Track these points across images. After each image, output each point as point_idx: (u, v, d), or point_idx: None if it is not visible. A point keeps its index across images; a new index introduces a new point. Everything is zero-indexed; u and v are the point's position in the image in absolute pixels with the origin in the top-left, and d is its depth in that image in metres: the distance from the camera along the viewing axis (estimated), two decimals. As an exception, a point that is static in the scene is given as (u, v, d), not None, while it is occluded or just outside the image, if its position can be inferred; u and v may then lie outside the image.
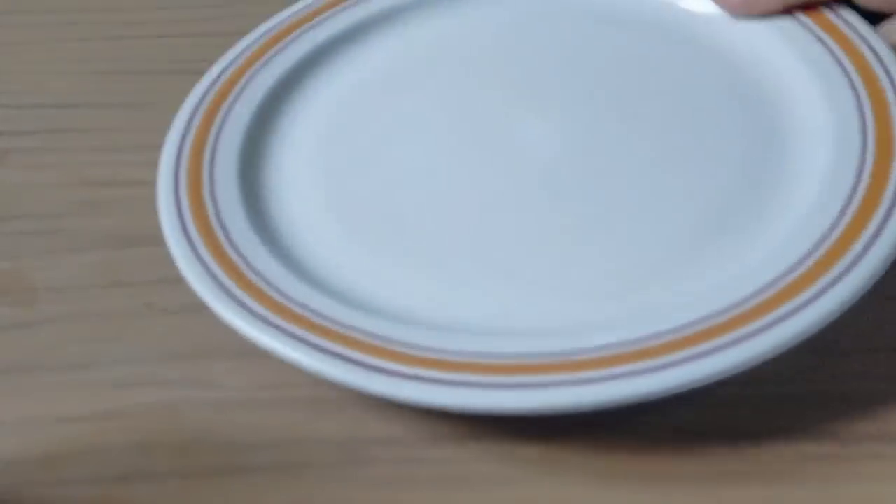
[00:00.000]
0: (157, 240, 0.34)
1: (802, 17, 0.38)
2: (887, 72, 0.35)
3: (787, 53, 0.38)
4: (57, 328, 0.34)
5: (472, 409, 0.27)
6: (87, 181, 0.40)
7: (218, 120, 0.38)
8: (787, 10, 0.38)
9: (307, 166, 0.38)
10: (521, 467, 0.29)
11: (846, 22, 0.38)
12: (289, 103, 0.41)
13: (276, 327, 0.29)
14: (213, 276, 0.31)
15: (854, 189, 0.31)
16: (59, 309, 0.34)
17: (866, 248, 0.30)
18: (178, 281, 0.33)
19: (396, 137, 0.38)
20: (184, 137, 0.37)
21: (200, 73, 0.41)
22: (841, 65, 0.36)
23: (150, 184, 0.37)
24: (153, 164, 0.37)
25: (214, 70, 0.41)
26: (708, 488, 0.29)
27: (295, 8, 0.44)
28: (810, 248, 0.30)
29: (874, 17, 0.38)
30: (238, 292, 0.31)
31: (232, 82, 0.40)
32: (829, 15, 0.38)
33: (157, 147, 0.37)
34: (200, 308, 0.32)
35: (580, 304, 0.31)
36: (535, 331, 0.30)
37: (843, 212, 0.31)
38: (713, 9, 0.40)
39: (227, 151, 0.37)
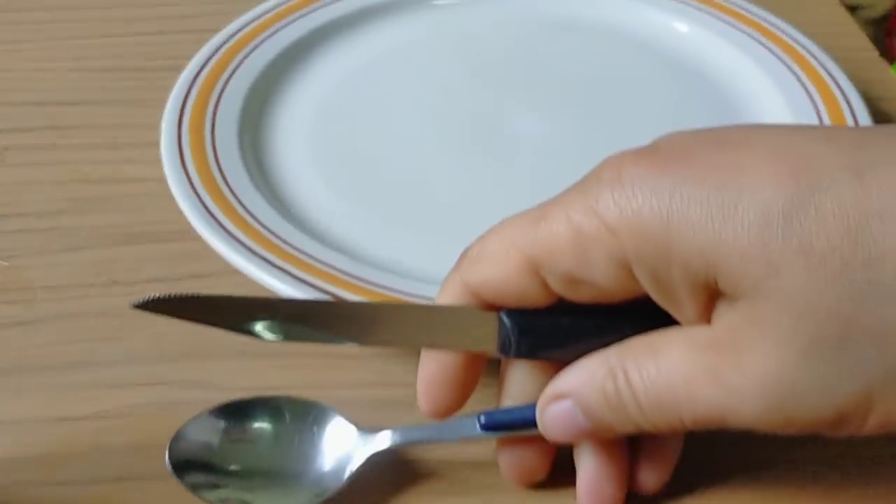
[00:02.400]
0: (156, 237, 0.34)
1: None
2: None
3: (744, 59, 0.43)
4: (55, 327, 0.33)
5: None
6: (85, 179, 0.40)
7: (214, 96, 0.40)
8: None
9: (304, 142, 0.40)
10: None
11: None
12: (285, 83, 0.43)
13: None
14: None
15: None
16: (57, 307, 0.34)
17: None
18: (178, 279, 0.33)
19: (391, 115, 0.41)
20: (181, 116, 0.39)
21: (199, 70, 0.41)
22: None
23: (149, 181, 0.37)
24: (151, 162, 0.37)
25: (216, 41, 0.42)
26: (706, 490, 0.29)
27: None
28: None
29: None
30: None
31: (227, 60, 0.42)
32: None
33: (156, 144, 0.37)
34: (199, 307, 0.32)
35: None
36: None
37: None
38: (689, 27, 0.45)
39: (227, 122, 0.39)
